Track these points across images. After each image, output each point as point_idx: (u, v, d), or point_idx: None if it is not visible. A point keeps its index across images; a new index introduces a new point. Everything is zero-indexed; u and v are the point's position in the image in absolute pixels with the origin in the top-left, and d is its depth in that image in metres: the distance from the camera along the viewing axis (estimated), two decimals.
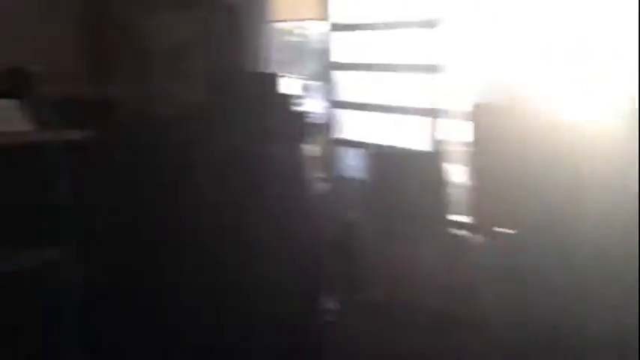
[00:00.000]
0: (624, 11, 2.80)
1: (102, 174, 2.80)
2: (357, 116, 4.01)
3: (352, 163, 3.80)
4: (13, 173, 2.36)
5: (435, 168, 3.38)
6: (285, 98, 3.42)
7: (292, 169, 3.29)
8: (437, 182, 3.33)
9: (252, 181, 3.15)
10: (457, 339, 2.90)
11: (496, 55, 3.27)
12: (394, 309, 3.01)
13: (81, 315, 2.49)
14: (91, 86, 3.02)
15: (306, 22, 4.24)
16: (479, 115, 3.21)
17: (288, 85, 3.45)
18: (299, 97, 3.46)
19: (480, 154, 3.16)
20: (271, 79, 3.44)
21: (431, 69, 3.60)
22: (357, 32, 4.04)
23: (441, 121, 3.54)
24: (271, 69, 3.98)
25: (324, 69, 4.09)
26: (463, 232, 3.25)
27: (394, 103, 3.78)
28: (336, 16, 4.07)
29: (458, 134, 3.40)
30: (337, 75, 4.07)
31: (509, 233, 3.00)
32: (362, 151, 3.53)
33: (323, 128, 3.91)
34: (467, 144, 3.27)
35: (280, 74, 3.51)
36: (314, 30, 4.22)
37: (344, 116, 4.04)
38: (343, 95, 4.05)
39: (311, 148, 3.43)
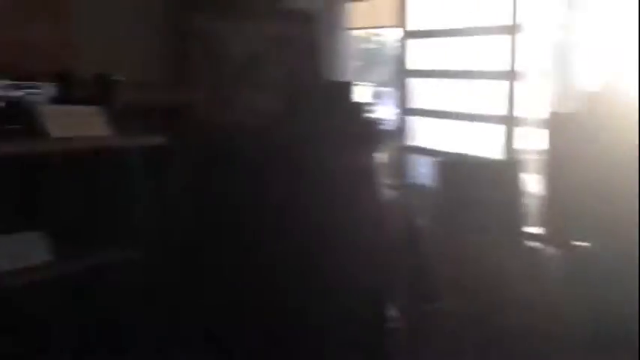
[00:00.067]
0: None
1: (177, 179, 2.90)
2: (431, 124, 3.99)
3: (424, 171, 3.79)
4: (91, 176, 2.48)
5: (510, 177, 3.32)
6: (359, 106, 3.45)
7: (364, 176, 3.30)
8: (511, 192, 3.26)
9: (325, 188, 3.19)
10: (527, 351, 2.83)
11: (574, 62, 3.19)
12: (462, 319, 2.97)
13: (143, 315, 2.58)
14: (170, 94, 3.14)
15: (383, 29, 4.26)
16: (555, 124, 3.14)
17: (362, 92, 3.48)
18: (373, 104, 3.48)
19: (555, 163, 3.08)
20: (346, 88, 3.48)
21: (507, 76, 3.54)
22: (433, 39, 4.02)
23: (516, 130, 3.48)
24: (347, 76, 4.02)
25: (399, 76, 4.09)
26: (537, 244, 3.18)
27: (468, 111, 3.74)
28: (413, 22, 4.07)
29: (533, 143, 3.33)
30: (412, 82, 4.06)
31: (584, 246, 2.91)
32: (434, 158, 3.51)
33: (396, 135, 3.91)
34: (542, 153, 3.20)
35: (355, 82, 3.54)
36: (390, 37, 4.23)
37: (417, 123, 4.03)
38: (417, 102, 4.03)
39: (383, 156, 3.44)
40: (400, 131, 3.98)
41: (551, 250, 3.09)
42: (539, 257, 3.13)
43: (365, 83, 3.78)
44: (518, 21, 3.47)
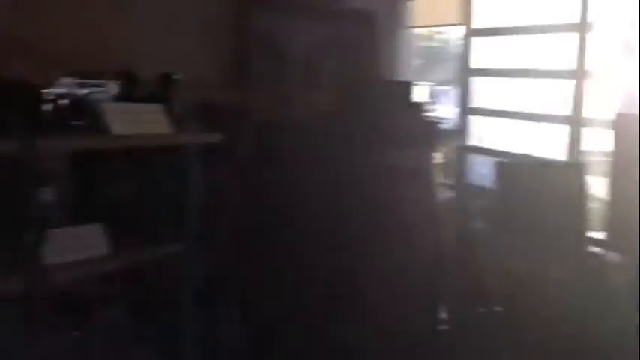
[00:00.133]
0: None
1: (234, 175, 2.96)
2: (493, 124, 3.92)
3: (483, 172, 3.72)
4: (151, 172, 2.55)
5: (573, 180, 3.23)
6: (418, 105, 3.42)
7: (421, 176, 3.29)
8: (573, 195, 3.18)
9: (381, 186, 3.19)
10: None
11: None
12: (518, 324, 2.92)
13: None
14: (229, 92, 3.19)
15: (445, 27, 4.21)
16: (621, 125, 3.03)
17: (421, 91, 3.45)
18: (432, 103, 3.45)
19: (620, 166, 2.98)
20: (405, 87, 3.46)
21: (574, 75, 3.44)
22: (498, 37, 3.94)
23: (580, 131, 3.38)
24: (408, 76, 3.99)
25: (462, 75, 4.04)
26: (599, 250, 3.08)
27: (532, 111, 3.65)
28: (477, 20, 4.00)
29: (598, 144, 3.23)
30: (474, 81, 4.00)
31: None
32: (495, 159, 3.44)
33: (456, 135, 3.86)
34: (607, 155, 3.10)
35: (415, 81, 3.52)
36: (453, 35, 4.18)
37: (478, 123, 3.96)
38: (479, 101, 3.97)
39: (442, 155, 3.41)
40: (461, 131, 3.93)
41: (613, 256, 2.99)
42: (602, 263, 3.04)
43: (426, 82, 3.74)
44: (587, 19, 3.37)
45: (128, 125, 2.34)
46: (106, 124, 2.28)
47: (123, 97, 2.50)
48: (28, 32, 2.52)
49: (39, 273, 2.05)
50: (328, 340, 2.93)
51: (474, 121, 3.97)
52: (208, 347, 2.66)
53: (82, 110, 2.32)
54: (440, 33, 4.25)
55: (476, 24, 4.00)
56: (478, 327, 2.98)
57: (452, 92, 3.97)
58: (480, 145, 3.92)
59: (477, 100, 3.97)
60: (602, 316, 2.88)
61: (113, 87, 2.50)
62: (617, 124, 3.05)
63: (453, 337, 3.08)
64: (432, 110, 3.43)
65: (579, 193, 3.20)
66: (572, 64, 3.43)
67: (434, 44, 4.33)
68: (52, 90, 2.33)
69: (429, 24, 4.25)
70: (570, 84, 3.45)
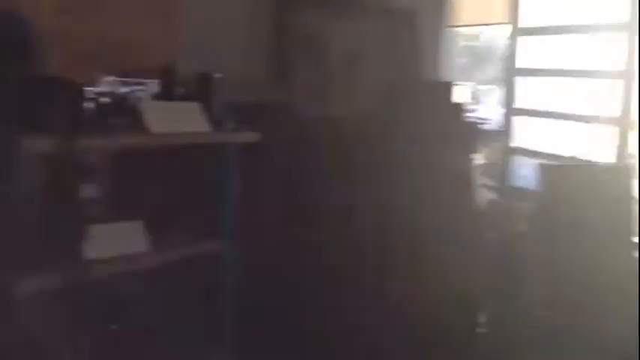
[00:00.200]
0: None
1: (273, 174, 2.97)
2: (539, 124, 3.84)
3: (528, 174, 3.65)
4: (189, 170, 2.58)
5: (619, 183, 3.14)
6: (459, 107, 3.37)
7: (462, 177, 3.24)
8: (619, 199, 3.09)
9: (422, 187, 3.15)
10: None
11: None
12: (562, 329, 2.85)
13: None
14: (269, 91, 3.20)
15: (490, 26, 4.14)
16: None
17: (463, 92, 3.40)
18: (474, 104, 3.40)
19: None
20: (447, 87, 3.41)
21: (622, 76, 3.35)
22: (544, 36, 3.86)
23: (628, 133, 3.29)
24: (451, 75, 3.94)
25: (506, 74, 3.97)
26: None
27: (578, 112, 3.57)
28: (523, 19, 3.93)
29: None
30: (520, 81, 3.92)
31: None
32: (539, 161, 3.37)
33: (499, 136, 3.80)
34: None
35: (455, 82, 3.47)
36: (498, 34, 4.11)
37: (523, 124, 3.89)
38: (523, 102, 3.89)
39: (485, 156, 3.35)
40: (504, 132, 3.86)
41: None
42: None
43: (469, 82, 3.68)
44: (637, 19, 3.27)
45: (167, 124, 2.37)
46: (146, 122, 2.31)
47: (163, 95, 2.53)
48: (73, 30, 2.57)
49: (79, 268, 2.08)
50: (360, 338, 2.91)
51: (519, 122, 3.89)
52: (245, 346, 2.67)
53: (123, 108, 2.36)
54: (484, 32, 4.19)
55: (523, 23, 3.92)
56: (518, 331, 2.92)
57: (496, 92, 3.90)
58: (524, 146, 3.84)
59: (523, 101, 3.89)
60: None
61: (153, 86, 2.53)
62: None
63: (493, 342, 3.04)
64: (474, 111, 3.38)
65: (626, 197, 3.11)
66: (620, 65, 3.34)
67: (478, 43, 4.26)
68: (94, 88, 2.38)
69: (473, 23, 4.19)
70: (619, 85, 3.35)
